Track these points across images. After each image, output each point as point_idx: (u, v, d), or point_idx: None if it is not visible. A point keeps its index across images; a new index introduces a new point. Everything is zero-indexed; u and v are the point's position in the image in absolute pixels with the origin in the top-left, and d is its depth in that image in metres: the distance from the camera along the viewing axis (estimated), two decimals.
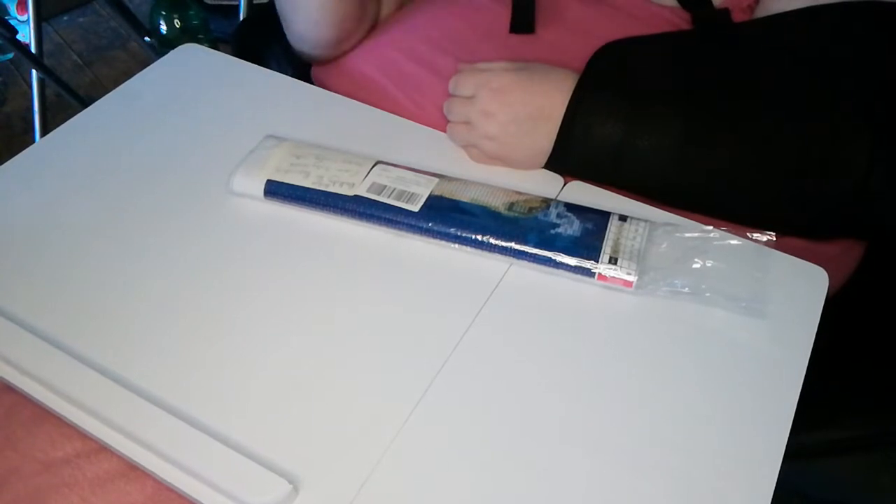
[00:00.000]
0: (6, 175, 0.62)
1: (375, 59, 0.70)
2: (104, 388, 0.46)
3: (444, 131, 0.63)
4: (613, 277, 0.52)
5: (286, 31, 0.74)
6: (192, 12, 1.73)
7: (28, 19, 1.46)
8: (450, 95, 0.62)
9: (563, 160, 0.60)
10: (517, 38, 0.67)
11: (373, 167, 0.59)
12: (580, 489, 0.44)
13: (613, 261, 0.52)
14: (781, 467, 0.45)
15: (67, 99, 1.58)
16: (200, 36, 1.75)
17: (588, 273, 0.53)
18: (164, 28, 1.73)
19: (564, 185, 0.60)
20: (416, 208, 0.56)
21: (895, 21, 0.59)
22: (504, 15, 0.67)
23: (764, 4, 0.64)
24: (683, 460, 0.45)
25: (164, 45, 1.72)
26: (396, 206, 0.56)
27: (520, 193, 0.57)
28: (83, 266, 0.55)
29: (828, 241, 0.63)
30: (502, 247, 0.54)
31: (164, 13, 1.72)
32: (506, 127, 0.59)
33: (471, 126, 0.60)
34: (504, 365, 0.49)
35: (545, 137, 0.59)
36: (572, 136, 0.58)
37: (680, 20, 0.65)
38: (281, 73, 0.71)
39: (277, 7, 0.72)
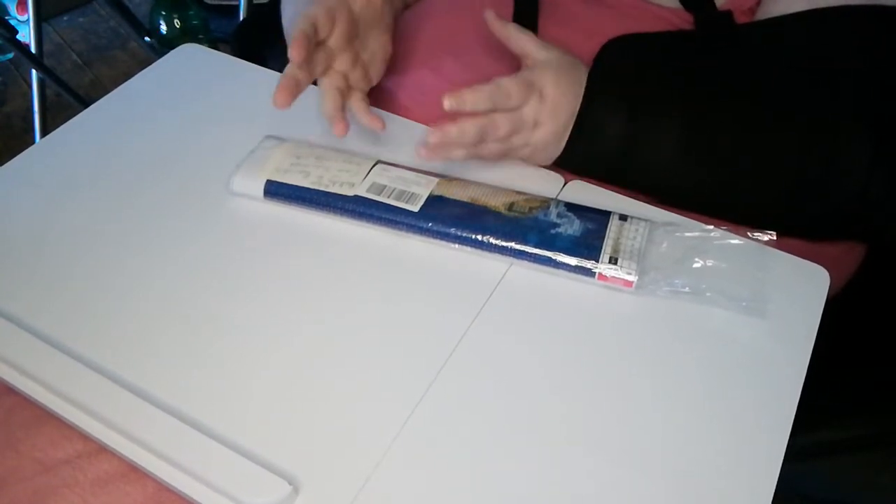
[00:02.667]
0: (6, 175, 0.62)
1: None
2: (104, 389, 0.46)
3: None
4: (614, 277, 0.52)
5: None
6: (192, 12, 1.73)
7: (28, 19, 1.46)
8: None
9: (571, 158, 0.59)
10: None
11: (373, 167, 0.59)
12: (580, 489, 0.44)
13: (614, 260, 0.52)
14: (782, 467, 0.44)
15: (67, 99, 1.58)
16: (200, 36, 1.75)
17: (588, 273, 0.53)
18: (164, 28, 1.73)
19: (565, 184, 0.60)
20: (415, 208, 0.56)
21: (895, 24, 0.59)
22: (506, 16, 0.67)
23: (765, 7, 0.64)
24: (684, 460, 0.45)
25: (164, 45, 1.72)
26: (396, 206, 0.56)
27: (520, 193, 0.57)
28: (83, 266, 0.55)
29: (828, 242, 0.63)
30: (502, 247, 0.54)
31: (164, 13, 1.72)
32: (548, 135, 0.57)
33: (508, 138, 0.57)
34: (504, 365, 0.49)
35: (566, 138, 0.58)
36: (581, 134, 0.58)
37: (682, 22, 0.65)
38: (281, 73, 0.71)
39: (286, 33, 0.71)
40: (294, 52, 0.55)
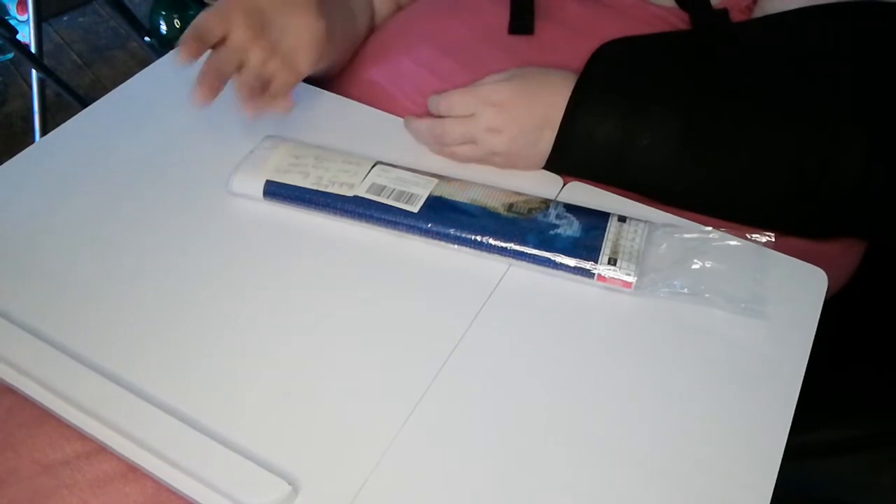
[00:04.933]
0: (6, 175, 0.62)
1: (375, 61, 0.70)
2: (103, 389, 0.46)
3: None
4: (613, 278, 0.52)
5: None
6: (192, 12, 1.73)
7: (28, 19, 1.46)
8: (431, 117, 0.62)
9: (564, 160, 0.60)
10: (516, 39, 0.67)
11: (372, 168, 0.59)
12: (579, 490, 0.44)
13: (613, 262, 0.52)
14: (781, 467, 0.45)
15: (67, 99, 1.58)
16: None
17: (587, 274, 0.53)
18: (164, 28, 1.73)
19: (564, 185, 0.60)
20: (415, 209, 0.56)
21: (893, 20, 0.59)
22: (503, 16, 0.67)
23: (762, 4, 0.64)
24: (683, 461, 0.45)
25: (164, 45, 1.72)
26: (396, 207, 0.56)
27: (519, 194, 0.57)
28: (82, 266, 0.55)
29: (826, 240, 0.63)
30: (501, 247, 0.54)
31: (164, 13, 1.72)
32: (513, 141, 0.58)
33: (476, 145, 0.60)
34: (503, 365, 0.49)
35: (550, 143, 0.59)
36: (572, 135, 0.58)
37: (678, 21, 0.65)
38: None
39: None
40: (178, 57, 0.54)
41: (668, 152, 0.57)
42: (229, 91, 0.69)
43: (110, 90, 0.69)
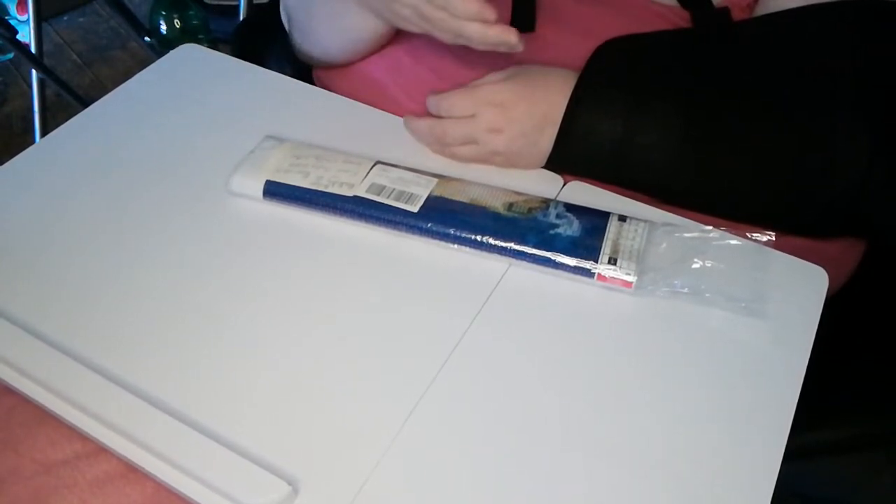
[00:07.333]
0: (6, 175, 0.62)
1: (375, 57, 0.70)
2: (104, 390, 0.46)
3: None
4: (613, 278, 0.52)
5: (297, 39, 0.73)
6: (192, 12, 1.73)
7: (28, 19, 1.46)
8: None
9: (565, 158, 0.60)
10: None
11: (372, 167, 0.59)
12: (580, 490, 0.44)
13: (613, 261, 0.52)
14: (781, 467, 0.45)
15: (67, 99, 1.58)
16: (200, 36, 1.75)
17: (587, 273, 0.53)
18: (164, 28, 1.73)
19: (564, 185, 0.60)
20: (415, 209, 0.56)
21: (893, 20, 0.59)
22: (505, 15, 0.67)
23: (763, 3, 0.64)
24: (683, 460, 0.45)
25: (164, 45, 1.72)
26: (396, 207, 0.56)
27: (519, 194, 0.57)
28: (83, 267, 0.55)
29: (827, 239, 0.63)
30: (501, 247, 0.54)
31: (164, 13, 1.72)
32: (514, 141, 0.59)
33: (477, 145, 0.60)
34: (503, 366, 0.49)
35: (551, 141, 0.59)
36: (573, 133, 0.58)
37: (680, 19, 0.65)
38: (281, 73, 0.71)
39: (293, 16, 0.71)
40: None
41: (670, 150, 0.57)
42: (230, 91, 0.69)
43: (110, 90, 0.69)
